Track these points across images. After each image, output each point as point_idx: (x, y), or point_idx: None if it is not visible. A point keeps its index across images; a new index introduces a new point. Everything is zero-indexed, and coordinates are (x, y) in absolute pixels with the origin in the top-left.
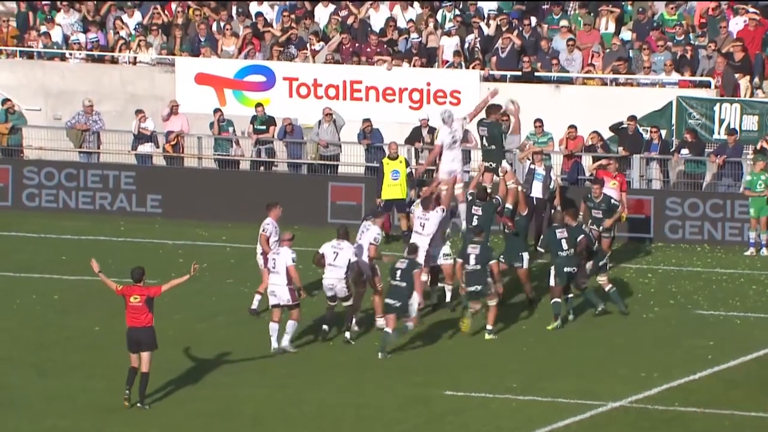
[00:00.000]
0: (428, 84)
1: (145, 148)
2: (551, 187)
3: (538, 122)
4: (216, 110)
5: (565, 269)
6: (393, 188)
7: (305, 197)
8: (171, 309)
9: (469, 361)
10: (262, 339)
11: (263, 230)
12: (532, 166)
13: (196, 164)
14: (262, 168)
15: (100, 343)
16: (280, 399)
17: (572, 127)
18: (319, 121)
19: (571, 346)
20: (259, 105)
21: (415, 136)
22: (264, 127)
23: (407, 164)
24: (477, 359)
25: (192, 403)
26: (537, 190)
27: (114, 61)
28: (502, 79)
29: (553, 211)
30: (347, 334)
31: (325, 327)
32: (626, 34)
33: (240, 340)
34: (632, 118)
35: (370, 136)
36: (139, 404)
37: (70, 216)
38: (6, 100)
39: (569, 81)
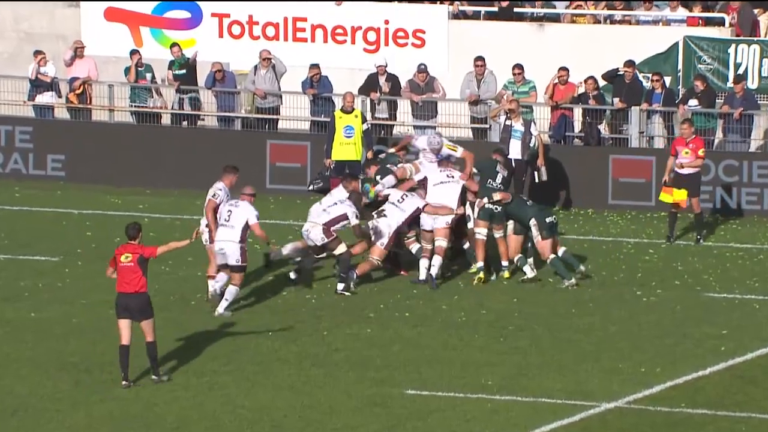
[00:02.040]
0: (386, 22)
1: (45, 98)
2: (532, 145)
3: (518, 68)
4: (132, 52)
5: (547, 220)
6: (346, 147)
7: (239, 158)
8: (77, 292)
9: (435, 354)
10: (187, 329)
11: (213, 196)
12: (509, 122)
13: (107, 118)
14: (185, 123)
15: None
16: (210, 401)
17: (563, 69)
18: (256, 67)
19: (558, 336)
20: (174, 45)
21: (370, 85)
22: (183, 72)
23: (364, 119)
24: (444, 352)
25: (101, 404)
26: (515, 150)
27: None
28: (475, 15)
29: (535, 173)
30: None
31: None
32: None
33: (162, 330)
34: (629, 63)
35: (317, 85)
36: (154, 377)
37: None
38: None
39: (555, 18)
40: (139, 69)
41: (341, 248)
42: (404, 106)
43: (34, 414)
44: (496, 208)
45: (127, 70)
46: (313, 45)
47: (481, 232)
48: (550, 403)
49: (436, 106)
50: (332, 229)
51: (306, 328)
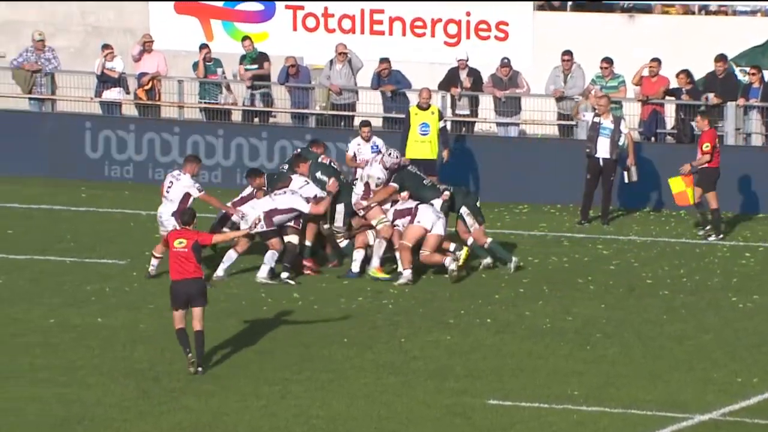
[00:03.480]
0: (468, 14)
1: (112, 93)
2: (621, 144)
3: (606, 62)
4: (202, 46)
5: (477, 204)
6: (420, 145)
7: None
8: (144, 297)
9: (518, 363)
10: (258, 336)
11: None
12: (597, 119)
13: (176, 114)
14: (257, 119)
15: (54, 340)
16: (282, 411)
17: (655, 60)
18: (331, 61)
19: (649, 344)
20: (246, 38)
21: (450, 81)
22: (255, 67)
23: (441, 116)
24: (528, 360)
25: (169, 414)
26: (603, 149)
27: None
28: (561, 7)
29: (625, 173)
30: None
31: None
32: None
33: (232, 336)
34: (721, 57)
35: (386, 80)
36: (200, 369)
37: (16, 179)
38: None
39: (646, 9)
40: (208, 64)
41: (292, 239)
42: (486, 102)
43: (100, 423)
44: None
45: (195, 65)
46: (391, 38)
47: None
48: (640, 414)
49: (519, 102)
50: (274, 219)
51: (382, 334)
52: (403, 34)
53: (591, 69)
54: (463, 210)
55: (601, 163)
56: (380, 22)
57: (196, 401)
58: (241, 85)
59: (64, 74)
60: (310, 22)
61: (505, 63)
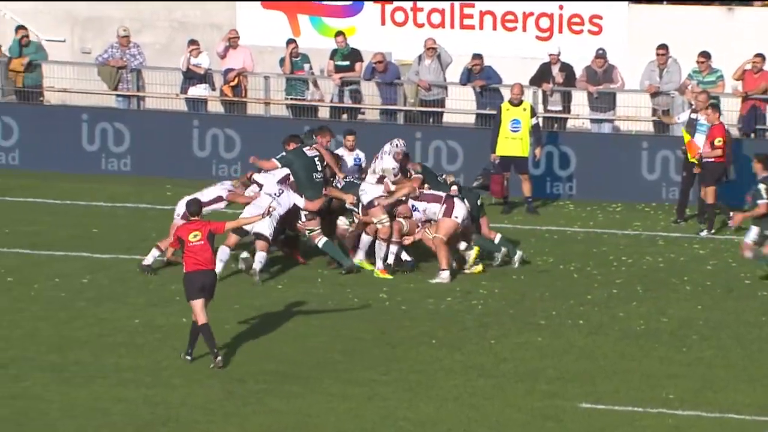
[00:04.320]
0: (560, 7)
1: (198, 90)
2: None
3: (704, 56)
4: (289, 42)
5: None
6: (512, 142)
7: None
8: (229, 297)
9: (612, 365)
10: (344, 336)
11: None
12: (694, 115)
13: (263, 111)
14: (345, 116)
15: (139, 340)
16: (369, 413)
17: (759, 56)
18: (420, 57)
19: (748, 347)
20: (339, 34)
21: (542, 76)
22: (347, 63)
23: (533, 113)
24: (621, 363)
25: (255, 416)
26: (700, 145)
27: None
28: None
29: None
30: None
31: None
32: None
33: (319, 337)
34: None
35: (477, 76)
36: (188, 357)
37: (102, 177)
38: (20, 28)
39: (746, 1)
40: (295, 59)
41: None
42: (579, 98)
43: (185, 425)
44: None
45: (282, 61)
46: (481, 33)
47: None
48: (738, 419)
49: (614, 97)
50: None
51: (472, 335)
52: (494, 28)
53: (687, 63)
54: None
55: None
56: (470, 17)
57: (281, 403)
58: (328, 81)
59: (150, 70)
60: (399, 17)
61: (600, 54)
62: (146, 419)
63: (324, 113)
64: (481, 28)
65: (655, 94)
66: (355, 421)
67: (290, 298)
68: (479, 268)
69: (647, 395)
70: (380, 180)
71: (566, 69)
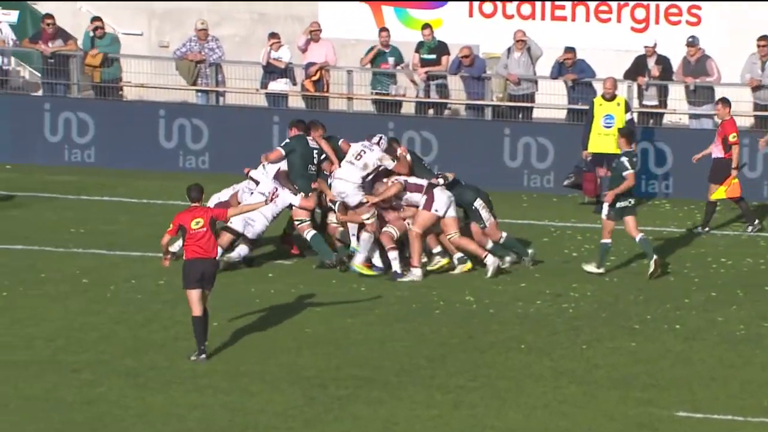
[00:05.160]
0: None
1: (278, 85)
2: None
3: None
4: (381, 31)
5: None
6: (604, 139)
7: (489, 149)
8: (310, 300)
9: (710, 372)
10: (429, 341)
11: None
12: None
13: (345, 107)
14: (431, 111)
15: (219, 344)
16: (455, 421)
17: None
18: (509, 50)
19: None
20: (426, 26)
21: (637, 69)
22: (433, 57)
23: (627, 108)
24: (720, 369)
25: (337, 423)
26: None
27: None
28: None
29: None
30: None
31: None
32: None
33: (404, 341)
34: None
35: (570, 70)
36: (202, 356)
37: (180, 176)
38: (94, 19)
39: None
40: (383, 51)
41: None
42: (676, 92)
43: None
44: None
45: (370, 51)
46: (573, 24)
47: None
48: None
49: (713, 91)
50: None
51: (562, 340)
52: (587, 19)
53: None
54: (478, 203)
55: None
56: (562, 7)
57: (364, 409)
58: (413, 74)
59: (229, 65)
60: (487, 8)
61: (691, 42)
62: (223, 426)
63: (409, 108)
64: (574, 19)
65: (756, 88)
66: (441, 430)
67: (373, 300)
68: (468, 266)
69: (747, 403)
70: (365, 179)
71: (663, 62)
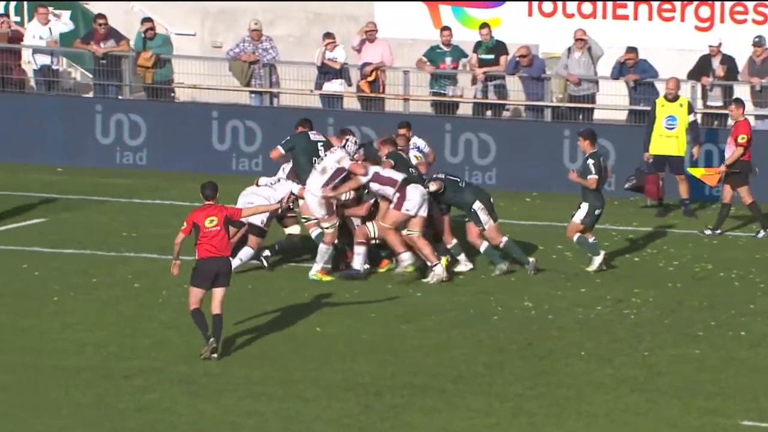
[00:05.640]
0: None
1: (333, 85)
2: None
3: None
4: (443, 29)
5: (491, 200)
6: (666, 141)
7: (548, 151)
8: (365, 304)
9: None
10: (487, 347)
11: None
12: None
13: (401, 108)
14: (489, 112)
15: (271, 351)
16: (514, 429)
17: None
18: (569, 49)
19: None
20: (484, 26)
21: (701, 69)
22: (491, 57)
23: (690, 109)
24: None
25: (393, 431)
26: None
27: None
28: None
29: None
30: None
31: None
32: None
33: (462, 348)
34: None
35: (631, 71)
36: (214, 356)
37: (233, 178)
38: (145, 20)
39: None
40: (438, 52)
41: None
42: (742, 93)
43: None
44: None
45: (430, 51)
46: (635, 23)
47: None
48: None
49: None
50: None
51: (623, 347)
52: (650, 18)
53: None
54: (477, 205)
55: None
56: (624, 6)
57: (420, 418)
58: (469, 75)
59: (283, 65)
60: (547, 7)
61: (758, 42)
62: None
63: (466, 109)
64: (636, 18)
65: None
66: None
67: (429, 306)
68: (410, 269)
69: None
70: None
71: (728, 61)
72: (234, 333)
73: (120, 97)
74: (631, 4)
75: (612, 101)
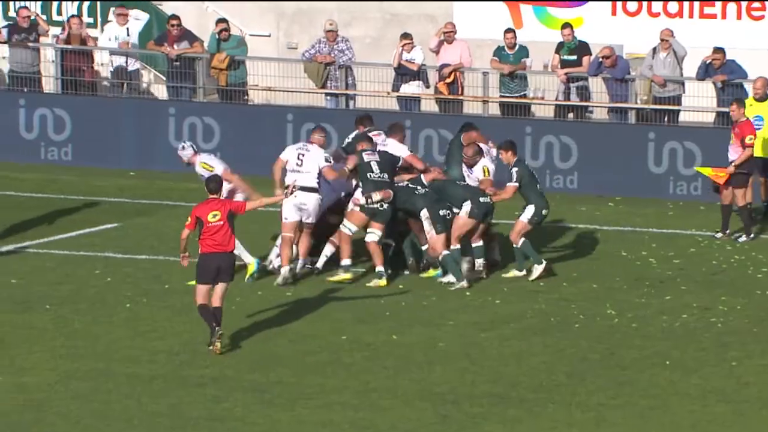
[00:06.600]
0: None
1: (411, 87)
2: None
3: None
4: (507, 31)
5: (441, 212)
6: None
7: (633, 155)
8: (443, 312)
9: None
10: (567, 356)
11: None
12: None
13: (480, 110)
14: (570, 115)
15: (346, 359)
16: None
17: None
18: (654, 50)
19: None
20: (566, 26)
21: None
22: (573, 58)
23: None
24: None
25: None
26: None
27: None
28: None
29: None
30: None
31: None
32: None
33: (540, 356)
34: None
35: (718, 71)
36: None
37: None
38: (220, 21)
39: None
40: (508, 53)
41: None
42: None
43: None
44: (381, 206)
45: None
46: (724, 23)
47: (351, 228)
48: None
49: None
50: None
51: (710, 357)
52: (738, 17)
53: None
54: (423, 213)
55: None
56: (711, 5)
57: (500, 428)
58: (552, 76)
59: (360, 66)
60: (631, 6)
61: None
62: None
63: (548, 111)
64: (724, 17)
65: None
66: None
67: (508, 314)
68: (348, 275)
69: None
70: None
71: None
72: (308, 341)
73: (193, 100)
74: (719, 4)
75: (698, 103)
